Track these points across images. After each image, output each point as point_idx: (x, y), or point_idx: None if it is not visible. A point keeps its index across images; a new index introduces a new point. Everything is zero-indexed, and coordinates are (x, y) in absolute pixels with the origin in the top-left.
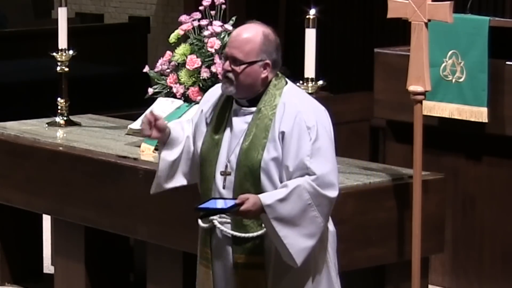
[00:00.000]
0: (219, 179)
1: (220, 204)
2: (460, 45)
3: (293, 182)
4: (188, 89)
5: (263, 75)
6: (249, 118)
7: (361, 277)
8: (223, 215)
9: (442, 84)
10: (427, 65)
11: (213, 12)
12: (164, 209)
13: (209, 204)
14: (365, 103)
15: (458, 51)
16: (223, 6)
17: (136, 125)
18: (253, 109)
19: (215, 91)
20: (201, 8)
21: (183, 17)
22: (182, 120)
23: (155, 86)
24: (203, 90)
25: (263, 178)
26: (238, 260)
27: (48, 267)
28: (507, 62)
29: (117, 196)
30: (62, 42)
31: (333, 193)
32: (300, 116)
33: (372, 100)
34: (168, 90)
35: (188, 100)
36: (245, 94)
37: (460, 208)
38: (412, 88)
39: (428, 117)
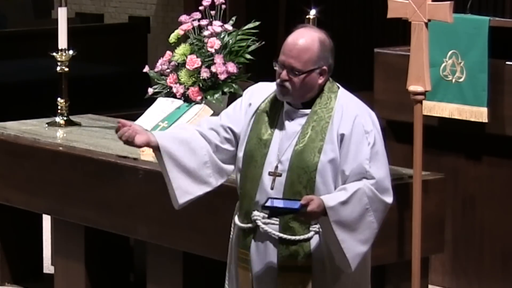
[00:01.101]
0: (267, 179)
1: (281, 204)
2: (460, 45)
3: (353, 186)
4: (188, 89)
5: (319, 81)
6: (302, 120)
7: None
8: (267, 214)
9: (442, 84)
10: (427, 65)
11: (213, 12)
12: (164, 209)
13: (273, 203)
14: (365, 103)
15: (458, 51)
16: (223, 6)
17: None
18: (308, 111)
19: (261, 89)
20: (201, 8)
21: (183, 17)
22: (201, 126)
23: (155, 86)
24: (203, 90)
25: (318, 180)
26: (283, 262)
27: (48, 267)
28: (507, 62)
29: (117, 196)
30: (62, 42)
31: (389, 199)
32: (358, 120)
33: (372, 100)
34: (168, 90)
35: (188, 100)
36: (301, 100)
37: (460, 208)
38: (412, 88)
39: (428, 117)
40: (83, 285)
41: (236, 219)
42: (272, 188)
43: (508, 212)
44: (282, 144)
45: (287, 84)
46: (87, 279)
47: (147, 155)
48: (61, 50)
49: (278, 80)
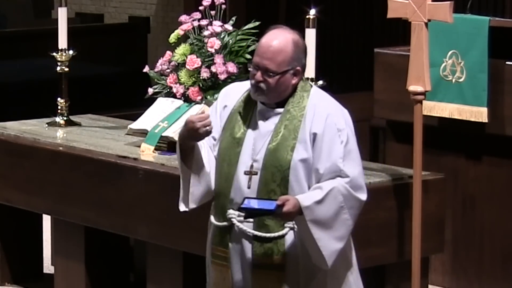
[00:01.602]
0: (242, 178)
1: (256, 204)
2: (460, 45)
3: (328, 184)
4: (188, 89)
5: (293, 81)
6: (276, 119)
7: (361, 277)
8: (243, 214)
9: (442, 84)
10: (427, 65)
11: (213, 12)
12: (164, 209)
13: (249, 205)
14: (365, 103)
15: (458, 51)
16: (223, 6)
17: (136, 125)
18: (281, 110)
19: (236, 89)
20: (201, 8)
21: (183, 17)
22: None
23: (155, 86)
24: (203, 90)
25: (292, 178)
26: (257, 260)
27: (48, 267)
28: (507, 62)
29: (117, 196)
30: (62, 42)
31: (363, 196)
32: (331, 118)
33: (372, 100)
34: (168, 90)
35: (188, 100)
36: (275, 100)
37: (460, 208)
38: (412, 88)
39: (428, 117)
40: (83, 285)
41: (212, 218)
42: (248, 187)
43: (508, 212)
44: (256, 143)
45: (262, 85)
46: (87, 279)
47: (147, 155)
48: (61, 50)
49: (253, 81)
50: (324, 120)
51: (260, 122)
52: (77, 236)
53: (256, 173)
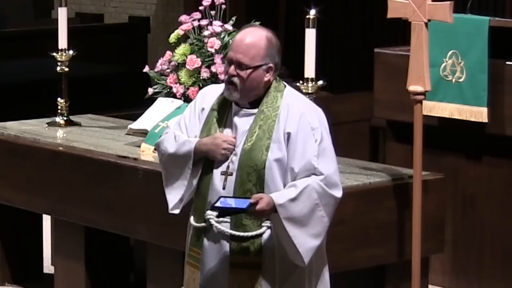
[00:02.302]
0: (218, 179)
1: (232, 202)
2: (460, 45)
3: (302, 182)
4: (188, 89)
5: (265, 79)
6: (250, 119)
7: (361, 277)
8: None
9: (442, 84)
10: (427, 65)
11: (213, 12)
12: (164, 209)
13: (224, 204)
14: (365, 103)
15: (458, 51)
16: (223, 6)
17: (136, 125)
18: (255, 110)
19: (212, 91)
20: (201, 8)
21: (183, 17)
22: (177, 133)
23: (155, 86)
24: None
25: (267, 178)
26: (235, 259)
27: (48, 267)
28: (507, 62)
29: (117, 196)
30: (62, 42)
31: (338, 193)
32: (304, 118)
33: (372, 100)
34: (168, 90)
35: (188, 100)
36: (247, 98)
37: (460, 208)
38: (412, 88)
39: (428, 117)
40: (83, 285)
41: (191, 219)
42: (224, 188)
43: (508, 212)
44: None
45: (235, 79)
46: (87, 279)
47: (147, 155)
48: (61, 50)
49: (226, 77)
50: (298, 120)
51: (235, 123)
52: (77, 236)
53: (231, 174)
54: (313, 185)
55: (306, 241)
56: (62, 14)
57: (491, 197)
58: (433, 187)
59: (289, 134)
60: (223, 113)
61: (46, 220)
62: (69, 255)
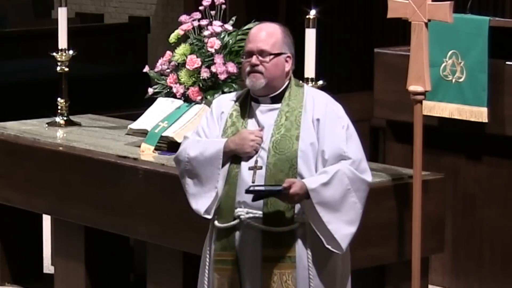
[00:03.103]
0: (246, 174)
1: (263, 187)
2: (460, 45)
3: (333, 168)
4: (188, 89)
5: (286, 68)
6: (273, 114)
7: (361, 277)
8: (251, 210)
9: (442, 84)
10: (427, 65)
11: (213, 12)
12: (164, 209)
13: (263, 187)
14: (365, 103)
15: (458, 51)
16: (223, 6)
17: (136, 125)
18: (278, 105)
19: (226, 97)
20: (201, 8)
21: (183, 17)
22: (198, 138)
23: (155, 86)
24: (203, 90)
25: (301, 167)
26: (267, 254)
27: (48, 267)
28: (507, 62)
29: (117, 196)
30: (62, 42)
31: (369, 177)
32: (330, 106)
33: (372, 100)
34: (168, 90)
35: (188, 100)
36: (270, 89)
37: (460, 208)
38: (412, 88)
39: (428, 117)
40: (83, 285)
41: (216, 222)
42: (253, 182)
43: (508, 212)
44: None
45: (259, 68)
46: (87, 279)
47: (147, 155)
48: (61, 50)
49: (248, 68)
50: (325, 107)
51: (259, 119)
52: (77, 236)
53: (260, 168)
54: (344, 170)
55: (340, 227)
56: (62, 14)
57: (491, 197)
58: (433, 187)
59: (318, 120)
60: (244, 112)
61: (46, 220)
62: (69, 255)
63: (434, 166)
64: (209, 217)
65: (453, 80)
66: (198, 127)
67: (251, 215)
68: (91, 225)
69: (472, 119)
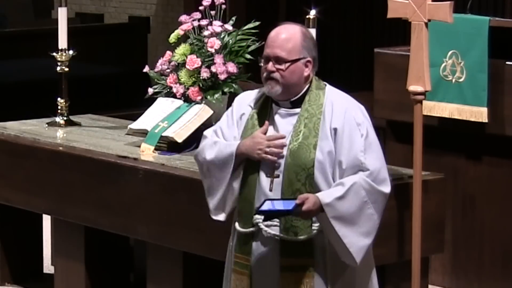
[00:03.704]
0: (264, 181)
1: (278, 205)
2: (460, 45)
3: (349, 180)
4: (188, 89)
5: (305, 73)
6: (293, 119)
7: None
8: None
9: (442, 84)
10: (427, 65)
11: (213, 12)
12: (164, 209)
13: (269, 206)
14: (365, 103)
15: (458, 51)
16: (223, 6)
17: (136, 125)
18: (297, 110)
19: (247, 97)
20: (201, 8)
21: (183, 17)
22: (215, 139)
23: (155, 86)
24: (203, 90)
25: (318, 176)
26: (285, 263)
27: (48, 267)
28: (507, 62)
29: (117, 196)
30: (62, 42)
31: (387, 188)
32: (349, 113)
33: (372, 100)
34: (168, 90)
35: (188, 100)
36: (289, 94)
37: (460, 208)
38: (412, 88)
39: (428, 117)
40: (83, 285)
41: (236, 225)
42: (270, 190)
43: (508, 212)
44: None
45: (275, 75)
46: (87, 279)
47: (147, 155)
48: (61, 50)
49: (265, 74)
50: (343, 115)
51: (278, 124)
52: (77, 236)
53: (278, 176)
54: (360, 182)
55: (356, 240)
56: (62, 14)
57: (491, 197)
58: (433, 187)
59: (335, 129)
60: (264, 114)
61: (46, 220)
62: (69, 255)
63: (434, 166)
64: (221, 219)
65: (453, 80)
66: (217, 126)
67: (269, 223)
68: (91, 225)
69: (472, 119)
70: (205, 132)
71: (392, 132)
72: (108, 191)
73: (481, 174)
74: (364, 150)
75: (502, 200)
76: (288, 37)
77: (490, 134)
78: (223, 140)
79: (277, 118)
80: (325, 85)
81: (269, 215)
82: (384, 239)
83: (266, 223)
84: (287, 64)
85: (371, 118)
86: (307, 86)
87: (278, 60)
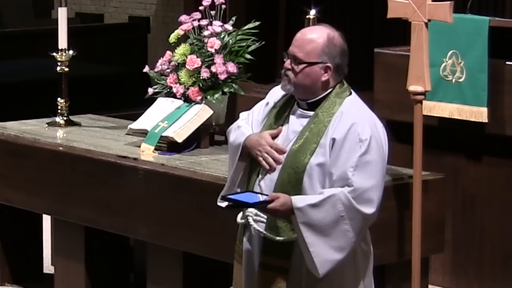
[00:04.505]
0: (260, 175)
1: (252, 198)
2: (460, 45)
3: (329, 191)
4: (188, 89)
5: (323, 78)
6: (305, 121)
7: None
8: (260, 213)
9: (442, 84)
10: (427, 65)
11: (213, 12)
12: (164, 209)
13: (240, 197)
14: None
15: (458, 51)
16: (223, 6)
17: (136, 125)
18: (311, 113)
19: (278, 91)
20: (201, 8)
21: (183, 17)
22: (243, 124)
23: (155, 86)
24: (203, 90)
25: (306, 182)
26: (264, 260)
27: (48, 267)
28: (507, 62)
29: (117, 196)
30: (62, 42)
31: (368, 209)
32: (354, 128)
33: (372, 100)
34: (168, 90)
35: (188, 100)
36: (304, 95)
37: (460, 208)
38: (412, 88)
39: (428, 117)
40: (83, 285)
41: (239, 215)
42: (259, 185)
43: (508, 212)
44: (284, 142)
45: (289, 73)
46: (87, 279)
47: (147, 155)
48: (61, 50)
49: (282, 70)
50: (348, 129)
51: (291, 123)
52: (77, 236)
53: (270, 173)
54: (340, 196)
55: (324, 252)
56: (62, 14)
57: (491, 197)
58: (433, 187)
59: (334, 140)
60: (284, 111)
61: (46, 220)
62: (69, 255)
63: (434, 166)
64: (222, 205)
65: (453, 80)
66: (253, 109)
67: (258, 218)
68: (91, 225)
69: (472, 119)
70: (241, 113)
71: (392, 132)
72: (108, 191)
73: (481, 174)
74: (355, 166)
75: (502, 200)
76: (310, 38)
77: (490, 134)
78: (250, 125)
79: (292, 116)
80: (350, 94)
81: (233, 204)
82: (384, 239)
83: (255, 218)
84: (303, 66)
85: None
86: (327, 92)
87: (295, 59)
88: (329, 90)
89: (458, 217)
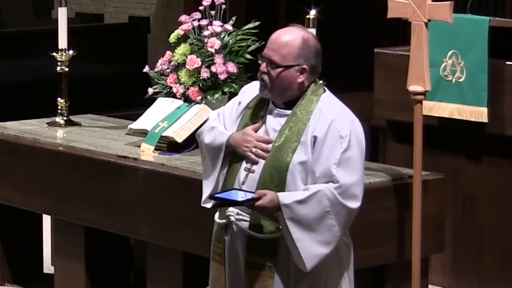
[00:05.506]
0: (242, 174)
1: (239, 195)
2: (460, 45)
3: (315, 187)
4: (188, 89)
5: (299, 80)
6: (283, 120)
7: (361, 277)
8: (242, 212)
9: (442, 84)
10: (427, 65)
11: (213, 12)
12: (164, 209)
13: (227, 195)
14: (365, 103)
15: (458, 51)
16: (223, 6)
17: (136, 125)
18: (289, 111)
19: (253, 87)
20: (201, 8)
21: (183, 17)
22: (217, 125)
23: (155, 86)
24: (203, 90)
25: (289, 181)
26: (249, 259)
27: (48, 267)
28: (507, 62)
29: (117, 196)
30: (62, 42)
31: (354, 204)
32: (334, 124)
33: (372, 100)
34: (168, 90)
35: (188, 100)
36: (280, 98)
37: (460, 208)
38: (412, 88)
39: (428, 117)
40: (83, 285)
41: (216, 214)
42: (243, 183)
43: (508, 212)
44: None
45: (265, 77)
46: (87, 279)
47: (147, 155)
48: (61, 50)
49: (258, 74)
50: (328, 126)
51: (269, 122)
52: (77, 236)
53: (253, 171)
54: (325, 191)
55: (311, 246)
56: (62, 14)
57: (491, 197)
58: (433, 187)
59: (315, 137)
60: (259, 110)
61: (46, 220)
62: (69, 255)
63: (434, 166)
64: (208, 206)
65: (453, 80)
66: (221, 109)
67: (240, 217)
68: (91, 225)
69: (472, 119)
70: (210, 114)
71: (392, 132)
72: (108, 191)
73: (481, 174)
74: (338, 163)
75: (502, 200)
76: (285, 42)
77: (490, 134)
78: (222, 125)
79: (269, 116)
80: (324, 91)
81: (221, 201)
82: (384, 239)
83: (237, 216)
84: (279, 70)
85: (371, 121)
86: (302, 92)
87: (271, 63)
88: (304, 90)
89: (458, 217)
